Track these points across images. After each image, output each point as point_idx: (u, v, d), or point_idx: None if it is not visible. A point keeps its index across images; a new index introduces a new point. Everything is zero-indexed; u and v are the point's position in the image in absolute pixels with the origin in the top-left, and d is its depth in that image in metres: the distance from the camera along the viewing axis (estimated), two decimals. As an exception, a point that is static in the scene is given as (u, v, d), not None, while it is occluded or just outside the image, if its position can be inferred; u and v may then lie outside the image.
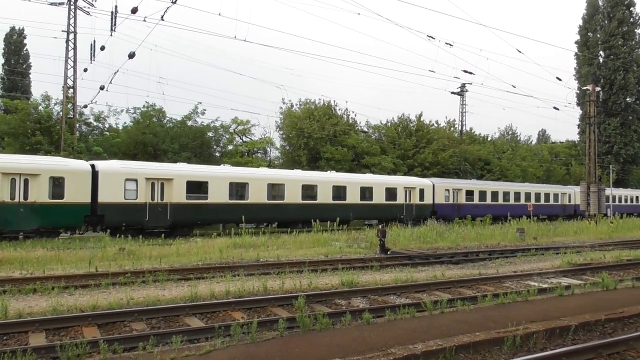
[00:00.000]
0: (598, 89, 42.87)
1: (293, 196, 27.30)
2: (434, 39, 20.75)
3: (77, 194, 21.25)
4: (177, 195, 23.70)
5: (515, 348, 7.18)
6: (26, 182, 20.31)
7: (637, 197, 58.03)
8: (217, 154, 40.19)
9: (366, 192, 31.66)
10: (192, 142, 35.43)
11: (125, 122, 37.61)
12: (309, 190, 28.27)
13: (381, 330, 7.78)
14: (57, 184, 20.89)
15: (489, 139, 65.89)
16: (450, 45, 22.16)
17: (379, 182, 33.09)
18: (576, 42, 67.27)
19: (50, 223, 20.89)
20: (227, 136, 43.03)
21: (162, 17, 17.52)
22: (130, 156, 30.84)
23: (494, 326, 7.91)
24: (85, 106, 33.85)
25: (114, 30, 23.28)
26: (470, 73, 25.90)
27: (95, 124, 36.83)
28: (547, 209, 46.23)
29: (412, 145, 48.54)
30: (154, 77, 72.78)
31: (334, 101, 47.84)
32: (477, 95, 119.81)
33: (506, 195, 42.41)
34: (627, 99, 64.39)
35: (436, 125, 53.75)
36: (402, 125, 51.26)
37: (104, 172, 22.13)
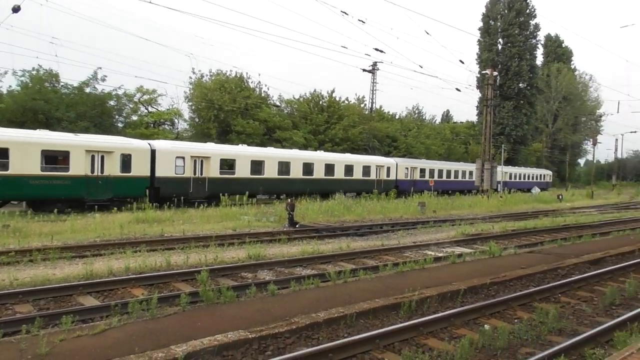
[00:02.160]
0: (495, 73, 45.65)
1: (296, 172, 32.49)
2: (348, 14, 20.88)
3: (141, 169, 24.22)
4: (213, 170, 27.50)
5: (410, 312, 7.65)
6: (102, 158, 23.11)
7: (523, 175, 63.52)
8: (120, 125, 37.95)
9: (349, 169, 36.84)
10: (90, 110, 33.01)
11: (10, 86, 33.84)
12: (308, 168, 33.46)
13: (286, 301, 7.91)
14: (126, 160, 23.65)
15: (397, 117, 68.29)
16: (362, 22, 22.43)
17: (358, 161, 38.36)
18: (479, 29, 71.06)
19: (121, 194, 23.42)
20: (131, 106, 40.65)
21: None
22: (18, 124, 27.88)
23: (393, 293, 8.34)
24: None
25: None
26: (381, 51, 26.33)
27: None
28: (468, 184, 49.74)
29: (324, 121, 49.06)
30: (46, 36, 66.53)
31: (247, 73, 47.02)
32: (387, 74, 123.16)
33: (449, 172, 48.59)
34: (520, 85, 69.32)
35: (347, 102, 54.72)
36: (314, 101, 51.59)
37: (160, 150, 25.31)
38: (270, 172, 30.62)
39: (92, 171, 22.66)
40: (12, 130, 22.17)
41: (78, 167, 22.06)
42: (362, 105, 59.36)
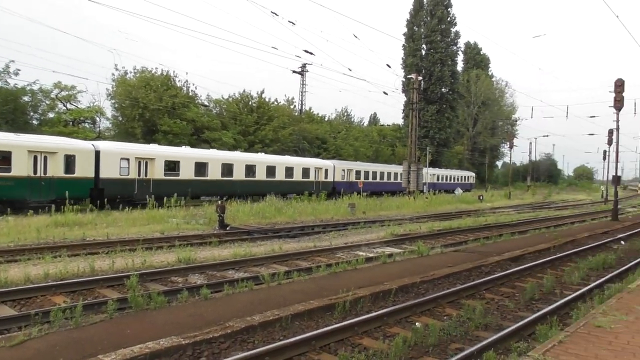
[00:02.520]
0: (420, 78, 47.32)
1: (239, 174, 32.95)
2: (278, 15, 20.84)
3: (85, 170, 24.09)
4: (158, 172, 27.60)
5: (345, 312, 7.73)
6: (45, 159, 22.79)
7: (450, 176, 66.60)
8: (35, 122, 35.55)
9: (290, 171, 37.50)
10: (1, 106, 30.71)
11: None
12: (250, 169, 33.95)
13: (219, 304, 7.75)
14: (69, 161, 23.49)
15: (326, 119, 69.04)
16: (293, 24, 22.49)
17: (298, 163, 39.46)
18: (404, 34, 73.33)
19: (65, 195, 21.65)
20: (47, 102, 38.22)
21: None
22: None
23: (327, 294, 8.39)
24: None
25: None
26: (311, 53, 26.57)
27: None
28: (395, 186, 51.00)
29: (254, 122, 48.62)
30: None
31: (174, 72, 45.57)
32: (317, 75, 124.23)
33: (382, 174, 50.29)
34: (443, 90, 72.36)
35: (277, 103, 54.58)
36: (243, 102, 51.00)
37: (104, 151, 25.20)
38: (214, 173, 30.96)
39: (35, 172, 22.36)
40: None
41: (20, 167, 21.76)
42: (291, 107, 59.50)
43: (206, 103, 49.04)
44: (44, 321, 6.72)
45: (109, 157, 25.27)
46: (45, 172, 22.66)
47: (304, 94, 64.68)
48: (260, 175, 34.60)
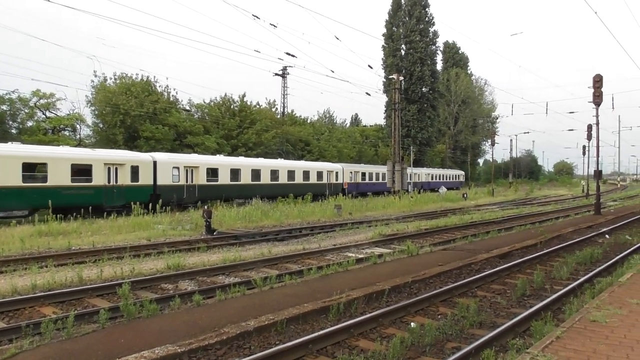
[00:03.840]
0: (401, 78, 47.55)
1: (266, 178, 36.45)
2: (259, 18, 20.76)
3: (146, 179, 27.33)
4: (202, 178, 30.99)
5: (339, 315, 7.70)
6: (115, 169, 25.92)
7: (441, 175, 68.11)
8: (14, 131, 34.89)
9: (306, 174, 41.02)
10: (-21, 116, 30.18)
11: None
12: (274, 174, 37.28)
13: (213, 310, 7.67)
14: (134, 171, 26.62)
15: (308, 121, 68.99)
16: (274, 26, 22.43)
17: (313, 167, 43.01)
18: (383, 35, 73.63)
19: (131, 200, 24.88)
20: (26, 111, 37.54)
21: None
22: None
23: (320, 296, 8.37)
24: None
25: None
26: (293, 56, 26.65)
27: None
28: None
29: (236, 126, 48.39)
30: None
31: (154, 77, 45.14)
32: (298, 78, 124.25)
33: (377, 175, 52.23)
34: (423, 89, 72.79)
35: (259, 106, 54.37)
36: (225, 105, 50.71)
37: (160, 162, 28.51)
38: (246, 178, 34.49)
39: (109, 181, 25.49)
40: (50, 147, 25.99)
41: (98, 178, 24.99)
42: (273, 110, 59.35)
43: (188, 108, 48.65)
44: (35, 333, 6.59)
45: (164, 167, 28.64)
46: (116, 181, 25.83)
47: (285, 96, 64.56)
48: (283, 179, 38.14)
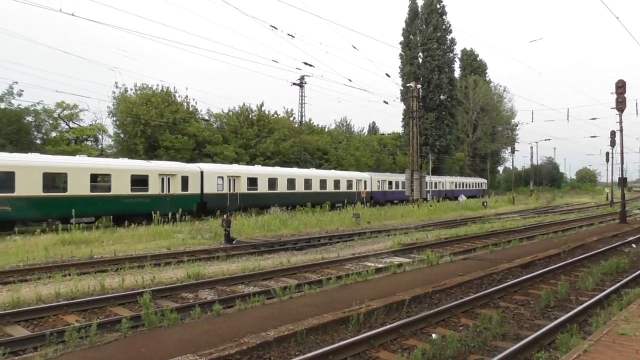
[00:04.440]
0: (419, 86, 47.38)
1: (300, 187, 38.20)
2: (277, 29, 20.94)
3: (194, 188, 29.26)
4: (243, 187, 32.96)
5: (359, 325, 7.63)
6: (168, 179, 27.97)
7: (466, 183, 68.36)
8: (39, 142, 35.64)
9: (337, 183, 43.00)
10: (6, 127, 30.83)
11: None
12: (307, 183, 39.09)
13: (232, 320, 7.67)
14: (184, 181, 28.54)
15: (326, 129, 69.10)
16: (292, 36, 22.59)
17: (343, 176, 44.75)
18: (400, 43, 73.59)
19: (181, 208, 26.53)
20: (50, 122, 38.36)
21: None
22: None
23: (340, 307, 8.30)
24: None
25: None
26: (311, 65, 26.83)
27: None
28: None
29: (254, 135, 48.72)
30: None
31: (174, 87, 45.81)
32: (316, 87, 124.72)
33: (403, 184, 51.35)
34: (441, 97, 72.43)
35: (276, 115, 54.69)
36: (243, 115, 51.13)
37: (206, 172, 30.53)
38: (282, 187, 36.43)
39: (163, 190, 27.45)
40: (112, 160, 28.09)
41: (154, 187, 26.90)
42: (291, 119, 59.63)
43: (207, 117, 49.19)
44: (59, 341, 6.66)
45: (210, 176, 30.59)
46: (169, 190, 27.80)
47: (303, 105, 64.79)
48: (315, 187, 39.94)
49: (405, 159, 63.40)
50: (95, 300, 9.23)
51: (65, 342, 6.50)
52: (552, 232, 21.81)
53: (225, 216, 19.96)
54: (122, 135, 42.35)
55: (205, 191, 30.08)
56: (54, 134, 38.66)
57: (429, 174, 53.56)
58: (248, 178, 33.65)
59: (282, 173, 37.47)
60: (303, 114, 64.64)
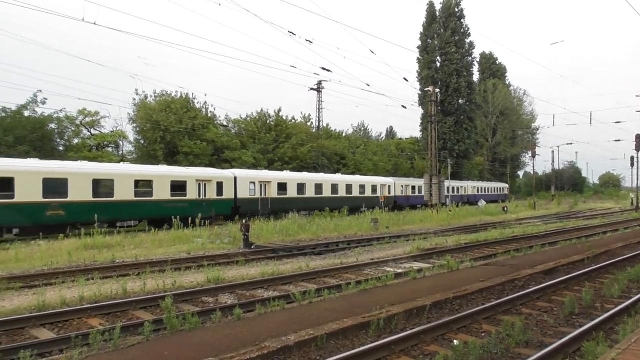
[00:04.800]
0: (437, 90, 47.14)
1: (327, 191, 39.47)
2: (295, 34, 21.04)
3: (228, 192, 30.64)
4: (273, 192, 34.15)
5: (379, 330, 7.59)
6: (204, 185, 29.30)
7: (487, 188, 68.05)
8: (61, 148, 36.34)
9: (362, 188, 44.01)
10: (30, 134, 31.53)
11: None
12: (334, 188, 40.52)
13: (253, 324, 7.69)
14: (219, 186, 29.88)
15: (343, 134, 69.10)
16: (310, 42, 22.66)
17: (368, 181, 45.88)
18: (418, 47, 73.31)
19: (216, 212, 28.87)
20: (72, 128, 39.11)
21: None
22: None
23: (360, 312, 8.28)
24: None
25: None
26: (328, 70, 26.90)
27: None
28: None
29: (272, 140, 48.95)
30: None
31: (192, 94, 46.32)
32: (333, 92, 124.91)
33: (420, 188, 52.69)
34: (460, 101, 71.91)
35: (294, 120, 54.91)
36: (261, 120, 51.43)
37: (239, 177, 31.97)
38: (310, 192, 37.62)
39: (199, 195, 28.83)
40: (153, 166, 29.59)
41: (192, 192, 28.37)
42: (308, 123, 59.78)
43: (225, 123, 49.60)
44: (83, 344, 6.76)
45: (242, 182, 31.94)
46: (205, 195, 29.13)
47: (320, 110, 64.95)
48: (341, 192, 41.14)
49: (423, 163, 63.05)
50: (117, 304, 9.35)
51: (90, 345, 6.60)
52: (575, 238, 21.41)
53: (244, 221, 20.07)
54: (142, 141, 42.94)
55: (238, 196, 31.47)
56: (75, 141, 39.36)
57: (447, 179, 53.23)
58: (278, 183, 34.86)
59: (309, 178, 38.78)
60: (320, 119, 64.85)
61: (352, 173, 53.58)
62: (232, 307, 8.92)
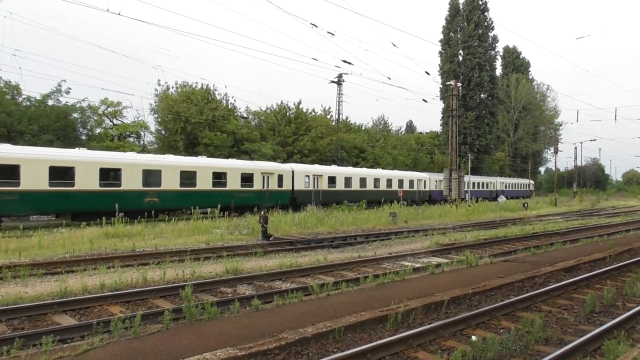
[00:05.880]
0: (459, 84, 46.58)
1: (370, 185, 42.69)
2: (317, 27, 20.96)
3: (287, 184, 34.19)
4: (324, 185, 37.56)
5: (397, 325, 7.59)
6: (268, 177, 32.81)
7: (514, 184, 67.55)
8: (84, 138, 36.90)
9: (401, 182, 46.85)
10: (54, 123, 32.04)
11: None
12: (377, 182, 43.32)
13: (271, 315, 7.75)
14: (280, 179, 33.51)
15: (363, 128, 68.81)
16: (332, 34, 22.57)
17: (406, 176, 48.44)
18: (440, 41, 72.51)
19: (277, 202, 32.87)
20: (95, 118, 39.68)
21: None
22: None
23: (377, 305, 8.28)
24: None
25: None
26: (350, 63, 26.72)
27: None
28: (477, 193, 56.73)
29: (292, 133, 49.00)
30: (8, 48, 64.59)
31: (213, 85, 46.55)
32: (353, 85, 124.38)
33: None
34: (482, 95, 70.99)
35: (314, 113, 54.85)
36: (281, 113, 51.51)
37: (296, 171, 35.36)
38: (355, 185, 40.82)
39: (264, 187, 32.28)
40: (226, 160, 32.64)
41: (258, 184, 31.84)
42: (328, 116, 59.65)
43: (245, 115, 49.77)
44: (104, 331, 6.89)
45: (299, 175, 35.30)
46: (268, 186, 32.58)
47: (340, 103, 64.68)
48: (382, 186, 44.17)
49: (444, 158, 62.54)
50: (138, 292, 9.49)
51: (111, 332, 6.72)
52: (597, 236, 21.05)
53: (262, 212, 20.16)
54: (163, 132, 43.36)
55: (295, 188, 34.82)
56: (98, 131, 39.91)
57: (467, 174, 52.73)
58: (328, 177, 38.15)
59: (355, 173, 41.84)
60: (340, 112, 64.59)
61: (372, 167, 53.42)
62: (250, 298, 9.00)
